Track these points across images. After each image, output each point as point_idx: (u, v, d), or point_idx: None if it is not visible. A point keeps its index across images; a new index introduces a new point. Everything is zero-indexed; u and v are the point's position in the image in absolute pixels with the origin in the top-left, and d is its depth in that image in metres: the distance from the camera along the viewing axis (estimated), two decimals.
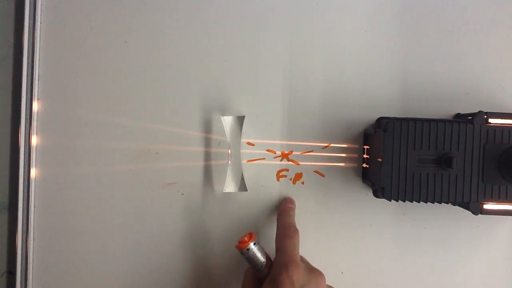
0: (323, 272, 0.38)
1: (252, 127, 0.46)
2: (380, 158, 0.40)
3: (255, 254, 0.38)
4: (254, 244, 0.38)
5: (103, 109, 0.46)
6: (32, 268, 0.45)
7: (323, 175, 0.47)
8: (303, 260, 0.40)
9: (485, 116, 0.40)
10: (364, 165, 0.46)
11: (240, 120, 0.45)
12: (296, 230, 0.40)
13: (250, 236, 0.38)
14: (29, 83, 0.45)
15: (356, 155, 0.47)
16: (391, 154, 0.40)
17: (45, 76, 0.46)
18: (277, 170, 0.47)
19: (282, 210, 0.44)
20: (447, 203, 0.41)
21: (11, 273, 0.46)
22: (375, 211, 0.47)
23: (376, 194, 0.42)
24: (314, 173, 0.47)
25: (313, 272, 0.37)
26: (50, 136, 0.46)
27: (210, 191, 0.46)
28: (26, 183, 0.45)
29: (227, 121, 0.45)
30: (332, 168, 0.47)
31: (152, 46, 0.46)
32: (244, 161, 0.46)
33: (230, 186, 0.45)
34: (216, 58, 0.46)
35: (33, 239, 0.46)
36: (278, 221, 0.42)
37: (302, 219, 0.46)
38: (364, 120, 0.47)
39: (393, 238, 0.47)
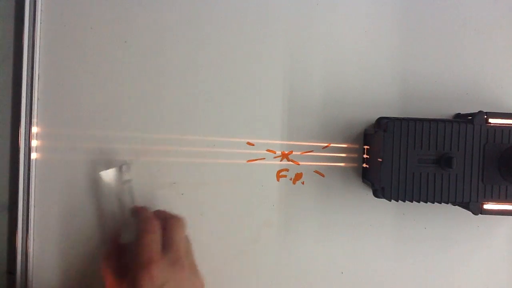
0: (184, 264, 0.37)
1: (252, 127, 0.46)
2: (380, 158, 0.40)
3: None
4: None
5: (103, 109, 0.46)
6: (32, 268, 0.45)
7: (323, 175, 0.47)
8: (171, 248, 0.38)
9: (485, 116, 0.40)
10: (364, 165, 0.46)
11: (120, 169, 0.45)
12: (153, 221, 0.39)
13: None
14: (29, 83, 0.45)
15: (356, 155, 0.47)
16: (391, 154, 0.40)
17: (45, 76, 0.46)
18: (277, 170, 0.47)
19: (137, 208, 0.43)
20: (447, 203, 0.41)
21: (11, 273, 0.46)
22: (375, 211, 0.47)
23: (376, 194, 0.42)
24: (314, 173, 0.47)
25: (173, 267, 0.36)
26: (50, 136, 0.46)
27: (210, 191, 0.46)
28: (26, 183, 0.45)
29: (110, 175, 0.45)
30: (332, 168, 0.47)
31: (152, 46, 0.46)
32: (244, 161, 0.46)
33: None
34: (216, 57, 0.46)
35: (33, 239, 0.46)
36: (136, 217, 0.41)
37: (302, 219, 0.46)
38: (364, 120, 0.47)
39: (393, 238, 0.47)
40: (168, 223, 0.40)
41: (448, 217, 0.47)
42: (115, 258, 0.40)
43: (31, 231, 0.45)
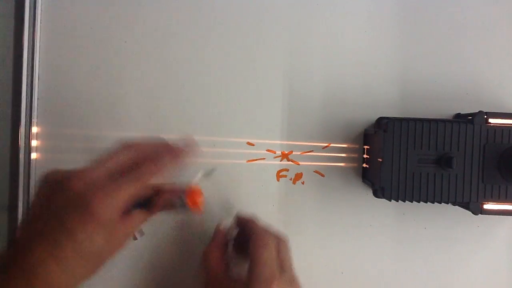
0: (300, 285, 0.37)
1: (252, 127, 0.46)
2: (380, 158, 0.40)
3: None
4: None
5: (102, 109, 0.46)
6: None
7: (323, 175, 0.47)
8: (285, 267, 0.37)
9: (485, 116, 0.40)
10: (364, 165, 0.46)
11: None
12: (271, 237, 0.38)
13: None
14: (29, 83, 0.45)
15: (356, 155, 0.47)
16: (391, 154, 0.40)
17: (45, 76, 0.46)
18: (277, 170, 0.47)
19: (247, 220, 0.41)
20: (447, 203, 0.41)
21: None
22: (375, 211, 0.47)
23: (376, 194, 0.42)
24: (314, 173, 0.47)
25: (291, 285, 0.36)
26: (50, 136, 0.46)
27: (210, 191, 0.46)
28: (26, 183, 0.45)
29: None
30: (332, 168, 0.47)
31: (152, 46, 0.46)
32: (244, 161, 0.46)
33: None
34: (216, 57, 0.46)
35: None
36: (249, 230, 0.39)
37: (302, 219, 0.46)
38: (364, 120, 0.47)
39: (393, 238, 0.47)
40: (279, 242, 0.39)
41: (448, 217, 0.47)
42: (220, 254, 0.39)
43: None
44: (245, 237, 0.39)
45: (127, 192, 0.32)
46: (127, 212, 0.33)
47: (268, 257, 0.36)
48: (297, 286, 0.37)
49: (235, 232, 0.42)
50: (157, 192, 0.36)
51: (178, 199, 0.36)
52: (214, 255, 0.39)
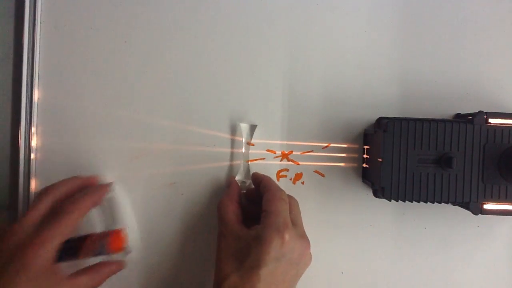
0: (309, 241, 0.38)
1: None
2: (380, 158, 0.40)
3: None
4: None
5: (103, 109, 0.46)
6: None
7: (323, 175, 0.47)
8: (297, 223, 0.39)
9: (485, 116, 0.40)
10: (364, 165, 0.46)
11: (253, 128, 0.46)
12: (285, 194, 0.40)
13: None
14: (29, 83, 0.45)
15: (356, 155, 0.47)
16: (391, 154, 0.40)
17: (45, 76, 0.46)
18: (277, 170, 0.47)
19: (263, 177, 0.43)
20: (447, 203, 0.41)
21: None
22: (375, 211, 0.47)
23: (376, 194, 0.42)
24: (314, 173, 0.47)
25: (300, 239, 0.37)
26: (50, 136, 0.46)
27: (210, 191, 0.46)
28: (26, 183, 0.45)
29: (244, 128, 0.45)
30: (332, 168, 0.47)
31: (152, 46, 0.46)
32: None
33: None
34: (216, 58, 0.46)
35: None
36: (264, 186, 0.41)
37: (302, 219, 0.46)
38: (364, 120, 0.47)
39: (393, 238, 0.47)
40: (291, 200, 0.41)
41: (448, 217, 0.47)
42: (234, 205, 0.41)
43: None
44: (258, 192, 0.42)
45: (55, 238, 0.36)
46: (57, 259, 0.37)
47: (282, 209, 0.38)
48: (307, 242, 0.38)
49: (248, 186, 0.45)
50: (83, 239, 0.39)
51: (100, 246, 0.39)
52: (229, 207, 0.41)
